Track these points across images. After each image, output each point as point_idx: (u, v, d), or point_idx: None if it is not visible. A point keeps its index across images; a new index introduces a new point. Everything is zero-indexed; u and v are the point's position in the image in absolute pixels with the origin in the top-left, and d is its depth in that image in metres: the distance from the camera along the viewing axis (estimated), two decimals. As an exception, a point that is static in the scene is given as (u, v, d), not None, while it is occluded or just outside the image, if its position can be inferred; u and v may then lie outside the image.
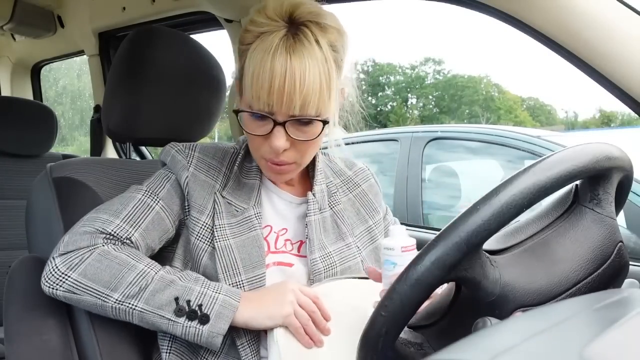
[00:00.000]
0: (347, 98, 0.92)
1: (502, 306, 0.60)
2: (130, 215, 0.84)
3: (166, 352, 0.85)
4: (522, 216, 0.60)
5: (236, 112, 0.85)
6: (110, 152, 2.15)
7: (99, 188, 0.99)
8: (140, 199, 0.86)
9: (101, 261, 0.79)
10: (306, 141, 0.82)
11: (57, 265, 0.79)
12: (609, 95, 0.88)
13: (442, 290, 0.68)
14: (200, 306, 0.78)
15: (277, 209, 0.92)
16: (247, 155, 0.93)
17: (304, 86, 0.76)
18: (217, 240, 0.85)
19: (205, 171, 0.89)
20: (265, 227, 0.90)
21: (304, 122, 0.80)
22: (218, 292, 0.80)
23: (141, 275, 0.79)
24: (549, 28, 0.90)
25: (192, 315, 0.78)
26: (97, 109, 2.09)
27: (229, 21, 1.56)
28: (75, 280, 0.78)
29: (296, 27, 0.79)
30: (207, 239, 0.85)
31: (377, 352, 0.59)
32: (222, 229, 0.86)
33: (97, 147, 2.10)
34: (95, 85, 2.10)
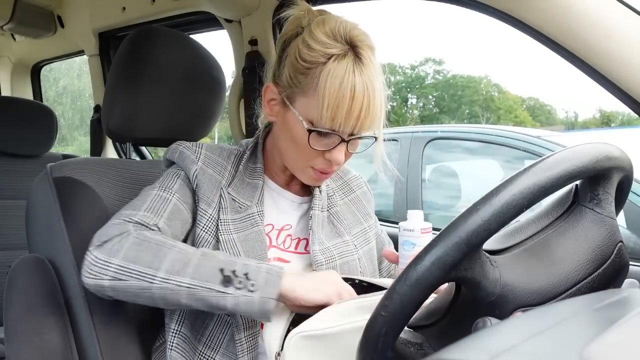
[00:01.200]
0: None
1: (502, 306, 0.60)
2: (151, 207, 0.85)
3: (169, 349, 0.86)
4: (522, 216, 0.60)
5: (310, 131, 0.84)
6: (110, 152, 2.15)
7: (99, 188, 0.99)
8: (155, 194, 0.87)
9: (139, 244, 0.78)
10: (353, 153, 0.89)
11: (97, 256, 0.78)
12: (609, 95, 0.88)
13: (442, 290, 0.68)
14: (246, 274, 0.77)
15: (281, 207, 0.96)
16: (251, 156, 0.96)
17: (375, 110, 0.83)
18: (221, 233, 0.86)
19: (212, 167, 0.92)
20: (267, 225, 0.92)
21: (361, 139, 0.87)
22: (260, 263, 0.79)
23: (182, 252, 0.79)
24: (548, 28, 0.90)
25: (239, 285, 0.76)
26: (97, 109, 2.09)
27: (229, 21, 1.56)
28: (119, 265, 0.77)
29: (356, 50, 0.83)
30: (212, 232, 0.87)
31: (377, 352, 0.59)
32: (226, 223, 0.88)
33: (97, 147, 2.10)
34: (95, 85, 2.10)
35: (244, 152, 0.97)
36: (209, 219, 0.88)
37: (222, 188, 0.90)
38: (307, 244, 0.93)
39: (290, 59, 0.86)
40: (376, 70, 0.84)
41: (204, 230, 0.87)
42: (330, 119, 0.81)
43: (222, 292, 0.76)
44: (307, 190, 0.99)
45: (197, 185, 0.89)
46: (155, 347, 0.93)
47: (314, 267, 0.89)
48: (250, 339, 0.83)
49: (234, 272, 0.76)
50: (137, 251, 0.78)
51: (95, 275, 0.77)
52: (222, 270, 0.77)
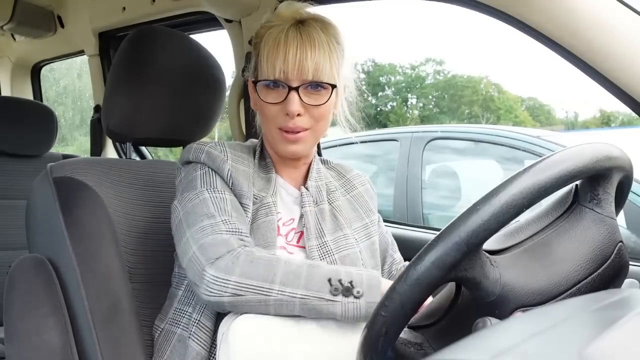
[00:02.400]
0: (348, 98, 1.00)
1: (502, 306, 0.60)
2: (219, 210, 0.87)
3: (188, 337, 0.86)
4: (522, 216, 0.60)
5: (254, 82, 0.92)
6: (110, 152, 2.15)
7: (99, 188, 0.99)
8: (211, 196, 0.89)
9: (252, 260, 0.81)
10: (318, 106, 0.90)
11: (214, 274, 0.80)
12: (609, 95, 0.88)
13: (442, 290, 0.68)
14: (351, 282, 0.80)
15: (285, 201, 0.98)
16: (261, 153, 1.00)
17: (315, 54, 0.88)
18: None
19: (240, 162, 0.95)
20: (277, 213, 0.95)
21: (316, 88, 0.90)
22: (360, 270, 0.83)
23: (290, 264, 0.81)
24: (549, 28, 0.90)
25: (346, 292, 0.80)
26: (97, 109, 2.09)
27: (229, 21, 1.56)
28: (237, 281, 0.79)
29: (303, 21, 0.91)
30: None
31: (377, 352, 0.59)
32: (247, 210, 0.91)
33: (97, 147, 2.10)
34: (95, 85, 2.10)
35: (256, 149, 1.00)
36: (248, 211, 0.91)
37: (249, 178, 0.94)
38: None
39: (252, 46, 0.96)
40: (320, 32, 0.89)
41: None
42: (272, 69, 0.88)
43: (332, 301, 0.79)
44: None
45: (232, 183, 0.92)
46: (157, 348, 0.93)
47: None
48: None
49: (340, 280, 0.80)
50: (251, 267, 0.80)
51: (216, 293, 0.80)
52: (330, 280, 0.80)
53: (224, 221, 0.85)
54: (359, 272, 0.82)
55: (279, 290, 0.79)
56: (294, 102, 0.88)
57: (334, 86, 0.91)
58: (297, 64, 0.87)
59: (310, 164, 1.01)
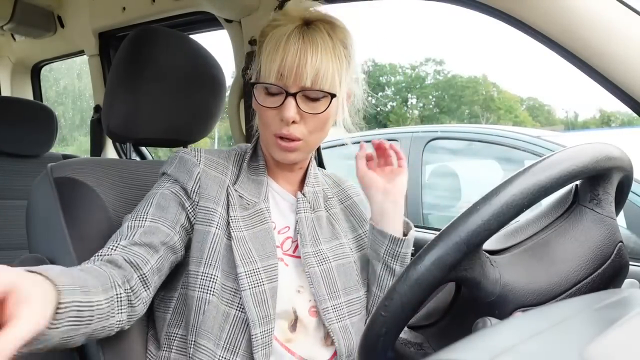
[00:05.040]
0: (354, 101, 0.97)
1: (502, 306, 0.60)
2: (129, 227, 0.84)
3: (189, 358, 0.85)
4: (522, 216, 0.60)
5: (252, 84, 0.89)
6: (110, 152, 2.15)
7: (99, 188, 0.99)
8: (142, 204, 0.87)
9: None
10: (315, 115, 0.86)
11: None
12: (609, 95, 0.88)
13: (442, 290, 0.68)
14: None
15: (280, 207, 0.95)
16: (253, 154, 0.97)
17: (316, 60, 0.83)
18: (233, 230, 0.86)
19: (213, 168, 0.92)
20: (271, 222, 0.92)
21: (314, 97, 0.86)
22: None
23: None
24: (549, 28, 0.90)
25: None
26: (97, 109, 2.09)
27: (229, 21, 1.56)
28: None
29: (310, 23, 0.86)
30: (224, 229, 0.87)
31: (377, 352, 0.59)
32: (236, 220, 0.88)
33: (97, 147, 2.10)
34: (95, 85, 2.10)
35: (246, 152, 0.97)
36: (220, 217, 0.87)
37: (228, 186, 0.90)
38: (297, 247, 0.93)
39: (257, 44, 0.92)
40: (325, 36, 0.85)
41: (217, 228, 0.86)
42: (269, 72, 0.84)
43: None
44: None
45: (200, 186, 0.89)
46: (157, 348, 0.92)
47: (305, 269, 0.89)
48: (266, 335, 0.83)
49: None
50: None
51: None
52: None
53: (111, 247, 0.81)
54: None
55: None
56: (290, 109, 0.84)
57: (333, 95, 0.86)
58: (294, 69, 0.83)
59: (307, 168, 0.99)
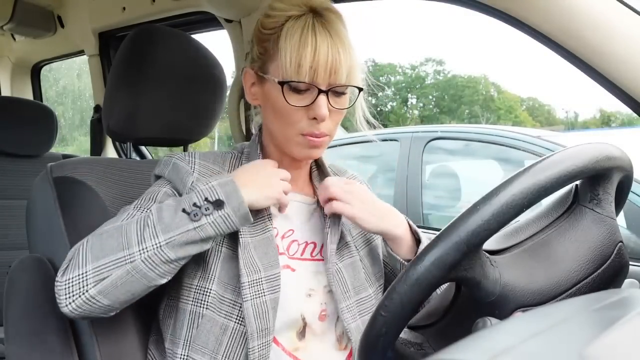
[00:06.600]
0: (367, 99, 0.95)
1: (502, 306, 0.60)
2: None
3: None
4: (522, 216, 0.60)
5: (282, 83, 0.83)
6: (110, 152, 2.15)
7: (99, 188, 0.99)
8: (130, 214, 0.83)
9: (98, 239, 0.77)
10: (340, 110, 0.86)
11: (67, 277, 0.75)
12: (609, 95, 0.88)
13: (442, 290, 0.68)
14: (206, 199, 0.77)
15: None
16: (248, 157, 0.93)
17: (347, 55, 0.81)
18: (241, 236, 0.83)
19: (208, 176, 0.87)
20: (273, 229, 0.88)
21: (340, 92, 0.84)
22: (209, 182, 0.79)
23: (138, 220, 0.77)
24: (549, 28, 0.90)
25: (207, 210, 0.76)
26: (97, 109, 2.09)
27: (229, 21, 1.56)
28: (95, 267, 0.74)
29: (318, 12, 0.83)
30: (224, 239, 0.84)
31: (377, 352, 0.59)
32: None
33: (97, 147, 2.10)
34: (95, 85, 2.10)
35: (242, 152, 0.94)
36: None
37: None
38: (315, 247, 0.91)
39: (255, 34, 0.88)
40: (341, 26, 0.83)
41: (214, 240, 0.82)
42: (297, 69, 0.80)
43: (198, 226, 0.76)
44: (310, 189, 0.97)
45: None
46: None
47: (330, 278, 0.87)
48: (262, 347, 0.80)
49: (194, 204, 0.77)
50: (100, 244, 0.76)
51: (78, 292, 0.74)
52: (184, 210, 0.76)
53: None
54: (210, 187, 0.78)
55: (140, 250, 0.74)
56: (324, 107, 0.82)
57: (360, 89, 0.86)
58: (328, 65, 0.80)
59: (317, 163, 0.98)
